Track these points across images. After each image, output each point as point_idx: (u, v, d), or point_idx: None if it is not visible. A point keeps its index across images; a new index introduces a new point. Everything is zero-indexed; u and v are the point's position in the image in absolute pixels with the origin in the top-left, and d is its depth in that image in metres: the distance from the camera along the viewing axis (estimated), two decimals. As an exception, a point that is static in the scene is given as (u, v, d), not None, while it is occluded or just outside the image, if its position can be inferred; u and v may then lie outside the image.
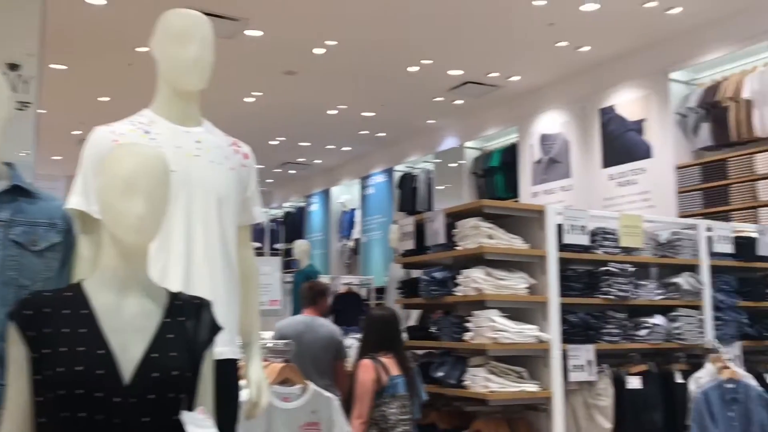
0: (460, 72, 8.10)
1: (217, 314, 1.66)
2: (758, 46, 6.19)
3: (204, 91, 2.09)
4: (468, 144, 9.88)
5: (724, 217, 6.12)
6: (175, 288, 1.66)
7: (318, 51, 7.44)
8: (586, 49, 7.31)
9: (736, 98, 6.27)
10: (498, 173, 9.29)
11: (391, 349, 3.71)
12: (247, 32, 6.86)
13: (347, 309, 7.22)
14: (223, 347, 1.88)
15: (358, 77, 8.33)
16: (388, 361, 3.64)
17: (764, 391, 3.93)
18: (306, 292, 4.82)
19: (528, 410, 3.81)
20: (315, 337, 4.43)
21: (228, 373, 1.96)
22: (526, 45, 7.28)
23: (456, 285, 3.90)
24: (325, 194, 13.45)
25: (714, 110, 6.47)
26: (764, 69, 6.17)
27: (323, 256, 12.94)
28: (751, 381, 3.96)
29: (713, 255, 4.37)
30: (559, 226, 3.88)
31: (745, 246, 4.52)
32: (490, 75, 8.18)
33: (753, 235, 4.58)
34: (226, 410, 1.88)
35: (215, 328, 1.63)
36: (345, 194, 13.09)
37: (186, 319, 1.56)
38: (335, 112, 9.74)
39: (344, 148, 12.06)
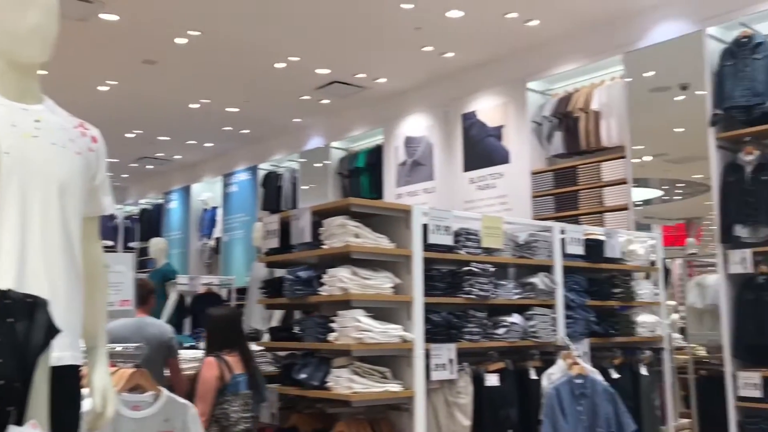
0: (327, 71, 8.05)
1: (55, 315, 1.47)
2: (606, 61, 6.61)
3: (52, 75, 1.89)
4: (334, 144, 9.84)
5: (574, 220, 6.47)
6: (5, 286, 1.46)
7: (180, 41, 7.11)
8: (451, 54, 7.49)
9: (586, 109, 6.66)
10: (363, 174, 9.32)
11: (235, 347, 3.79)
12: (102, 16, 6.42)
13: (206, 310, 6.93)
14: (62, 352, 1.68)
15: (222, 71, 8.05)
16: (232, 359, 3.70)
17: (609, 386, 4.16)
18: (136, 290, 4.59)
19: (391, 410, 3.80)
20: (145, 337, 4.21)
21: (68, 380, 1.76)
22: (393, 48, 7.35)
23: (321, 284, 3.83)
24: (185, 191, 12.92)
25: (566, 120, 6.83)
26: (611, 83, 6.60)
27: (182, 255, 12.44)
28: (598, 376, 4.19)
29: (566, 256, 4.59)
30: (425, 226, 3.91)
31: (594, 248, 4.79)
32: (357, 76, 8.19)
33: (601, 237, 4.86)
34: (65, 423, 1.68)
35: (52, 331, 1.45)
36: (206, 192, 12.63)
37: (15, 321, 1.37)
38: (197, 105, 9.37)
39: (206, 144, 11.64)
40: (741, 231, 5.36)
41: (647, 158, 6.92)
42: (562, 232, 4.64)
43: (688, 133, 5.98)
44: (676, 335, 6.55)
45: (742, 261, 5.30)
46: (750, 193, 5.31)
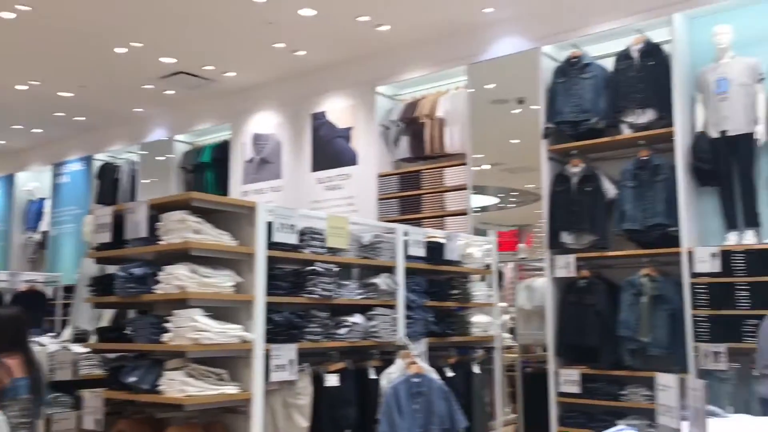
0: (173, 60, 7.71)
1: None
2: (452, 71, 6.86)
3: None
4: (178, 137, 9.44)
5: (417, 223, 6.64)
6: None
7: (6, 15, 6.50)
8: (302, 53, 7.45)
9: (431, 116, 6.87)
10: (208, 170, 9.02)
11: (17, 349, 3.63)
12: None
13: (28, 309, 6.38)
14: None
15: (55, 51, 7.47)
16: (13, 363, 3.55)
17: (444, 384, 4.29)
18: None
19: (226, 413, 3.68)
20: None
21: None
22: (244, 41, 7.18)
23: (156, 282, 3.64)
24: (8, 180, 11.84)
25: (412, 125, 7.01)
26: (456, 92, 6.86)
27: (2, 250, 11.39)
28: (434, 375, 4.31)
29: (408, 258, 4.70)
30: (269, 224, 3.84)
31: (434, 250, 4.94)
32: (205, 67, 7.92)
33: (442, 240, 5.02)
34: None
35: None
36: (33, 181, 11.64)
37: None
38: (25, 87, 8.62)
39: (34, 130, 10.75)
40: (567, 238, 5.77)
41: (486, 166, 7.26)
42: (406, 234, 4.74)
43: (524, 144, 6.34)
44: (507, 335, 6.94)
45: (566, 265, 5.69)
46: (575, 202, 5.72)
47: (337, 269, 4.20)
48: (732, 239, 5.16)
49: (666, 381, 2.71)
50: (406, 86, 7.35)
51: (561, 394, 5.56)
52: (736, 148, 5.17)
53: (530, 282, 7.04)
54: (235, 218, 3.83)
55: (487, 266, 5.57)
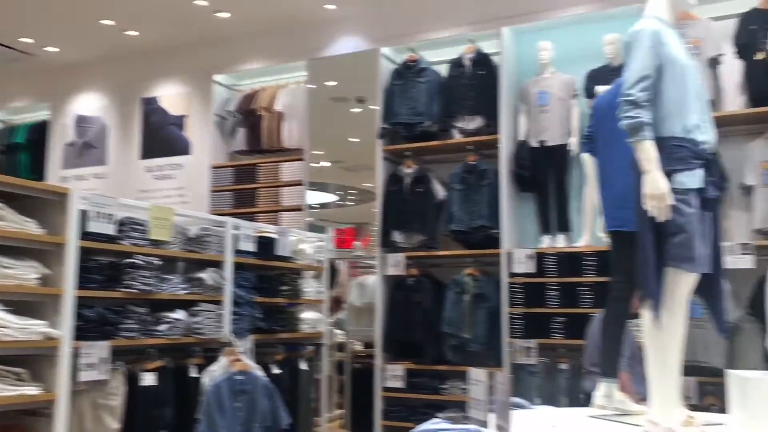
0: (-16, 28, 6.99)
1: None
2: (292, 65, 6.79)
3: None
4: (-11, 114, 8.58)
5: (250, 218, 6.50)
6: None
7: None
8: (134, 33, 7.04)
9: (269, 109, 6.76)
10: (23, 151, 8.27)
11: None
12: None
13: None
14: None
15: None
16: None
17: (269, 382, 4.23)
18: None
19: (27, 416, 3.37)
20: None
21: None
22: (67, 14, 6.65)
23: (-54, 273, 3.25)
24: None
25: (250, 117, 6.86)
26: (295, 87, 6.79)
27: None
28: (259, 372, 4.23)
29: (237, 252, 4.58)
30: (84, 213, 3.57)
31: (265, 245, 4.85)
32: (22, 39, 7.25)
33: (273, 235, 4.95)
34: None
35: None
36: None
37: None
38: None
39: None
40: (398, 237, 5.91)
41: (325, 164, 7.27)
42: (236, 228, 4.61)
43: (362, 143, 6.39)
44: (339, 331, 7.00)
45: (396, 264, 5.83)
46: (407, 202, 5.88)
47: (160, 262, 3.99)
48: (546, 242, 5.54)
49: (477, 375, 2.84)
50: (245, 77, 7.17)
51: (386, 389, 5.68)
52: (553, 158, 5.55)
53: (362, 279, 7.15)
54: (45, 205, 3.51)
55: (319, 262, 5.57)
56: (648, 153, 2.57)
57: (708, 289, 2.75)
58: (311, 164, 6.57)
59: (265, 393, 4.14)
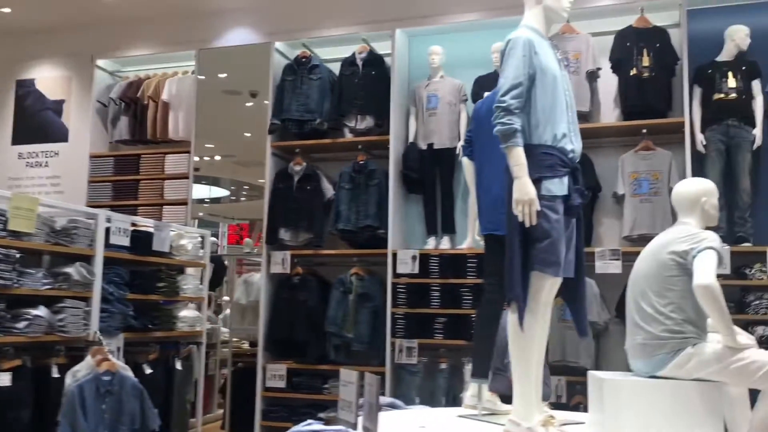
0: None
1: None
2: (181, 54, 6.53)
3: None
4: None
5: (132, 211, 6.23)
6: None
7: None
8: (6, 10, 6.57)
9: (155, 98, 6.49)
10: None
11: None
12: None
13: None
14: None
15: None
16: None
17: (138, 382, 4.05)
18: None
19: None
20: None
21: None
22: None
23: None
24: None
25: (134, 106, 6.56)
26: (183, 77, 6.55)
27: None
28: (128, 372, 4.05)
29: (109, 246, 4.36)
30: (-69, 200, 3.29)
31: (141, 240, 4.65)
32: None
33: (150, 230, 4.75)
34: None
35: None
36: None
37: None
38: None
39: None
40: (284, 234, 5.82)
41: (217, 157, 7.08)
42: (108, 220, 4.39)
43: (255, 138, 6.19)
44: (225, 329, 6.83)
45: (282, 262, 5.74)
46: (295, 200, 5.80)
47: (19, 255, 3.73)
48: (431, 243, 5.61)
49: (347, 377, 2.82)
50: (130, 63, 6.86)
51: (267, 389, 5.58)
52: (440, 161, 5.63)
53: (248, 277, 7.02)
54: None
55: (200, 259, 5.40)
56: (518, 159, 2.63)
57: (570, 293, 2.85)
58: (204, 158, 6.37)
59: (134, 394, 3.97)
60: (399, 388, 5.32)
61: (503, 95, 2.68)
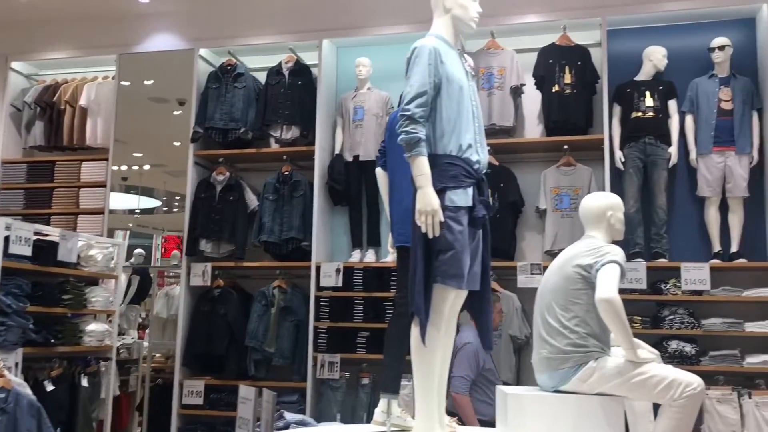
0: None
1: None
2: (101, 59, 6.30)
3: None
4: None
5: (45, 220, 5.98)
6: None
7: None
8: None
9: (73, 103, 6.24)
10: None
11: None
12: None
13: None
14: None
15: None
16: None
17: (36, 400, 3.81)
18: None
19: None
20: None
21: None
22: None
23: None
24: None
25: (50, 111, 6.30)
26: (103, 81, 6.32)
27: None
28: (25, 389, 3.81)
29: (8, 256, 4.12)
30: None
31: (45, 250, 4.42)
32: None
33: (55, 239, 4.52)
34: None
35: None
36: None
37: None
38: None
39: None
40: (205, 246, 5.65)
41: (146, 167, 6.83)
42: (7, 228, 4.15)
43: (184, 147, 5.97)
44: (146, 343, 6.58)
45: (203, 274, 5.58)
46: (217, 210, 5.65)
47: None
48: (356, 256, 5.53)
49: (246, 393, 2.70)
50: (48, 67, 6.58)
51: (184, 406, 5.39)
52: (366, 173, 5.55)
53: (170, 289, 6.81)
54: None
55: (112, 270, 5.18)
56: (421, 169, 2.58)
57: (476, 306, 2.80)
58: (133, 167, 6.16)
59: (30, 412, 3.72)
60: (320, 403, 5.21)
61: (408, 104, 2.63)
